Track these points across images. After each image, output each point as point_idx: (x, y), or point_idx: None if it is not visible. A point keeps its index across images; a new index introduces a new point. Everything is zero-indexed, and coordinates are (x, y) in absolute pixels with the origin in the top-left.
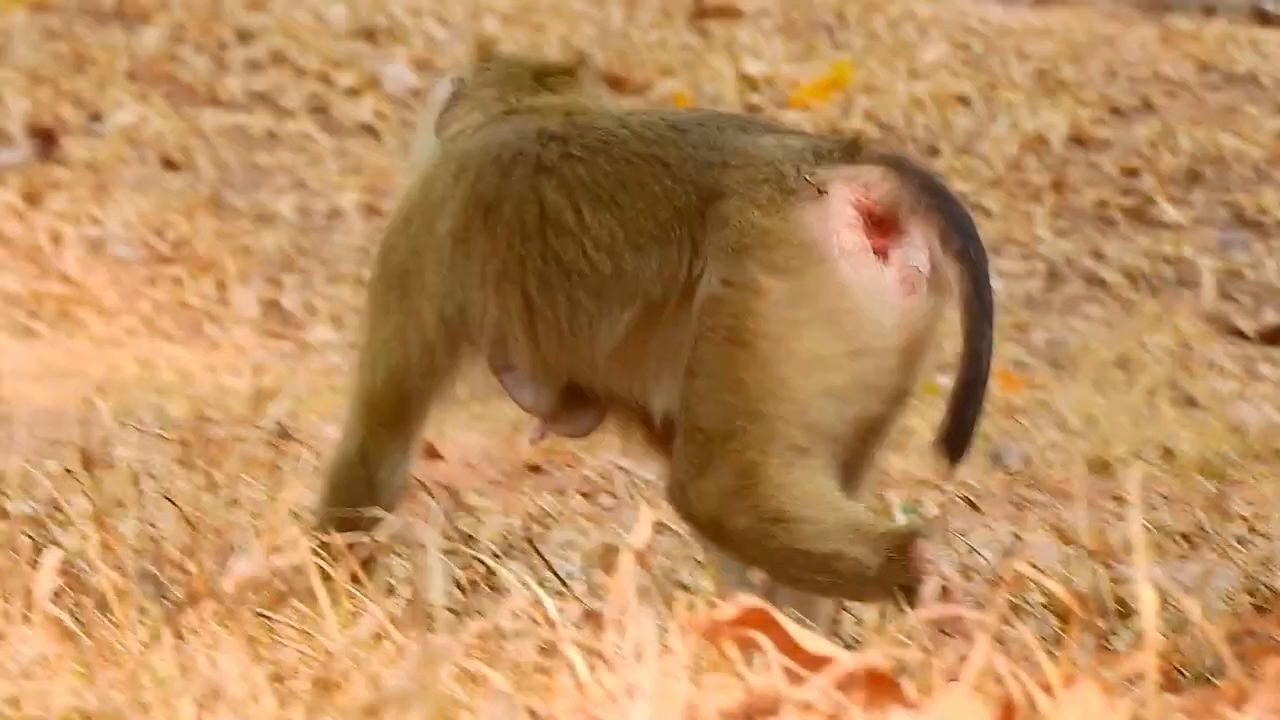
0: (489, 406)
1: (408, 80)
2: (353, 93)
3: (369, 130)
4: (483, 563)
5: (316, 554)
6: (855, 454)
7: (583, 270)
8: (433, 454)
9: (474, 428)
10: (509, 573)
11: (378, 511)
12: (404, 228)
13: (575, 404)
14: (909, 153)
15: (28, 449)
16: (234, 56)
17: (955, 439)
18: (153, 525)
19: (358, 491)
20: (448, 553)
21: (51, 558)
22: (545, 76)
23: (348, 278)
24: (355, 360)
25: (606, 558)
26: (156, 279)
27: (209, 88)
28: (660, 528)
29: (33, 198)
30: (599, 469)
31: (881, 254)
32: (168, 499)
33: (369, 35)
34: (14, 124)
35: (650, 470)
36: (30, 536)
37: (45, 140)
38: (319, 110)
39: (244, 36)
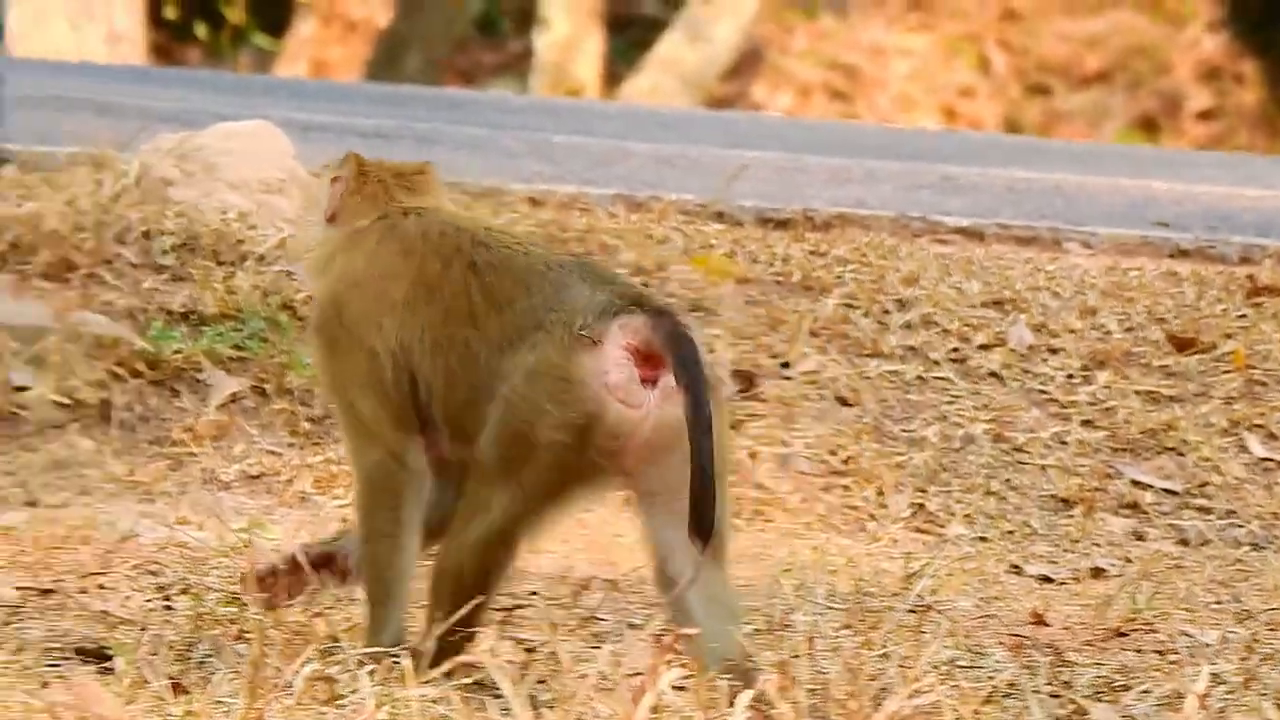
0: (1084, 587)
1: (1027, 339)
2: (984, 348)
3: (996, 376)
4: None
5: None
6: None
7: (477, 354)
8: (1040, 620)
9: (1073, 603)
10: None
11: None
12: (356, 289)
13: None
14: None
15: None
16: (893, 319)
17: (700, 531)
18: (821, 672)
19: (395, 481)
20: (1051, 696)
21: (744, 698)
22: (406, 179)
23: (979, 487)
24: (341, 399)
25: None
26: (830, 487)
27: (874, 343)
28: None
29: (736, 425)
30: (1170, 632)
31: (650, 381)
32: (834, 652)
33: (998, 304)
34: (723, 369)
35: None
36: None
37: (746, 382)
38: (958, 361)
39: (901, 304)
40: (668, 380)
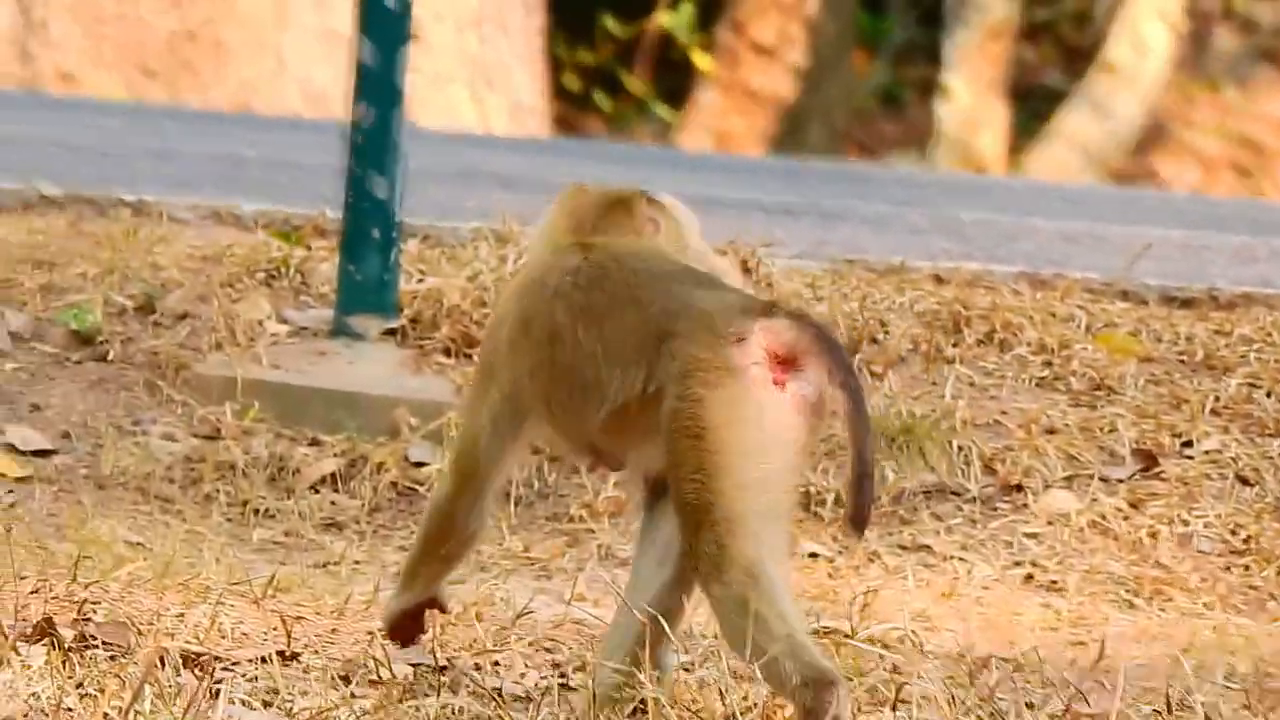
0: None
1: None
2: None
3: None
4: None
5: None
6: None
7: (575, 374)
8: None
9: None
10: None
11: None
12: (492, 331)
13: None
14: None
15: (1128, 694)
16: None
17: (857, 519)
18: None
19: (445, 530)
20: None
21: None
22: (604, 210)
23: None
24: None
25: None
26: (1230, 567)
27: (1276, 422)
28: None
29: (1135, 504)
30: None
31: (780, 384)
32: None
33: None
34: (1124, 447)
35: None
36: None
37: (1147, 460)
38: None
39: None
40: (799, 385)
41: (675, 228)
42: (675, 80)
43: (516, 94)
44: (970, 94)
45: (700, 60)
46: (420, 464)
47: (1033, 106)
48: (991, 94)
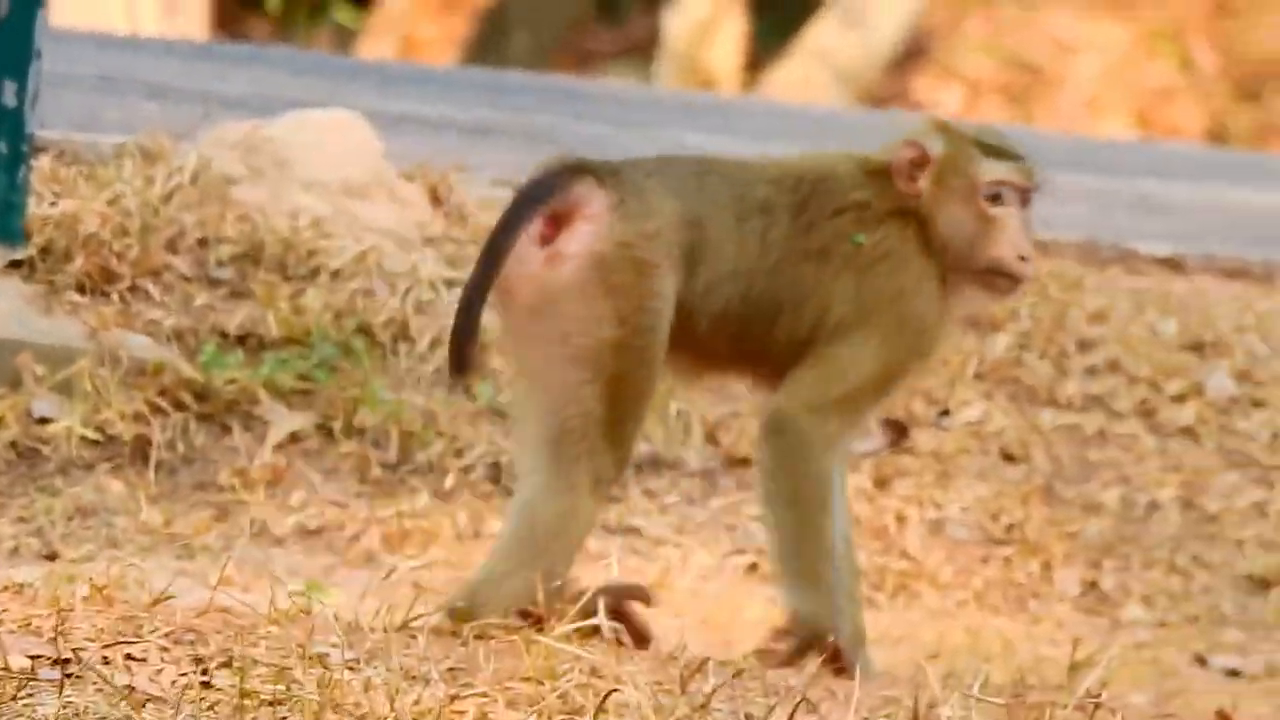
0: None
1: (1229, 390)
2: (1177, 400)
3: (1190, 433)
4: None
5: None
6: None
7: None
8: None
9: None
10: None
11: None
12: None
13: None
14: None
15: (864, 706)
16: (1074, 363)
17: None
18: None
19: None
20: None
21: None
22: None
23: (1161, 563)
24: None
25: None
26: (989, 559)
27: (1049, 390)
28: None
29: (881, 483)
30: None
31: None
32: None
33: (1196, 348)
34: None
35: None
36: None
37: (897, 431)
38: (1146, 414)
39: (1084, 346)
40: (560, 244)
41: None
42: None
43: None
44: (705, 3)
45: None
46: (45, 420)
47: (777, 17)
48: (729, 3)
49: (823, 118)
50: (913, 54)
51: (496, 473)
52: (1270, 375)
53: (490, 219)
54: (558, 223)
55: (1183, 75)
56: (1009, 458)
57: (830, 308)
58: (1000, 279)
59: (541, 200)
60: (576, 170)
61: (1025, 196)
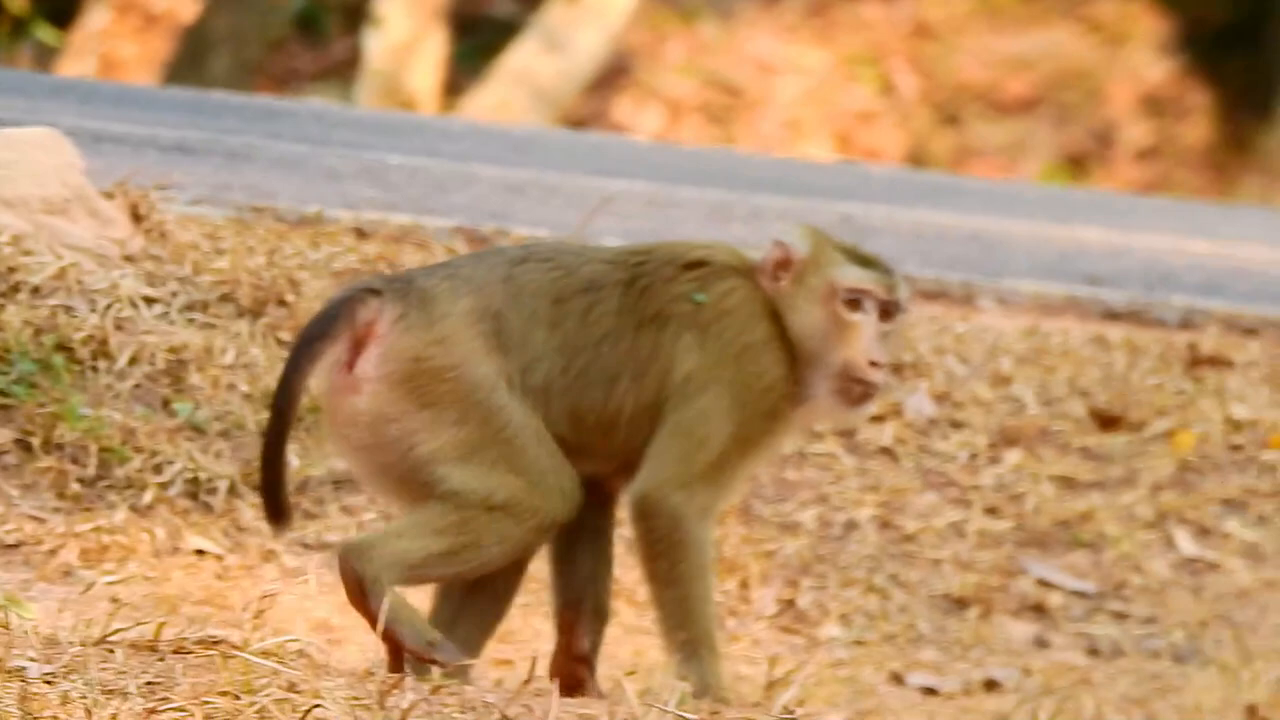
0: (976, 701)
1: (927, 410)
2: (876, 420)
3: (888, 453)
4: None
5: None
6: None
7: None
8: None
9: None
10: None
11: None
12: None
13: None
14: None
15: None
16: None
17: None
18: None
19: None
20: None
21: None
22: None
23: (859, 582)
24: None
25: None
26: None
27: None
28: None
29: None
30: None
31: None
32: None
33: (896, 369)
34: None
35: None
36: None
37: None
38: (845, 434)
39: None
40: (358, 370)
41: None
42: None
43: None
44: (407, 23)
45: None
46: None
47: (476, 40)
48: (432, 23)
49: (522, 139)
50: (613, 75)
51: (195, 489)
52: (969, 396)
53: (191, 237)
54: (357, 347)
55: (882, 99)
56: None
57: (673, 369)
58: (852, 384)
59: (323, 335)
60: (364, 292)
61: (886, 309)
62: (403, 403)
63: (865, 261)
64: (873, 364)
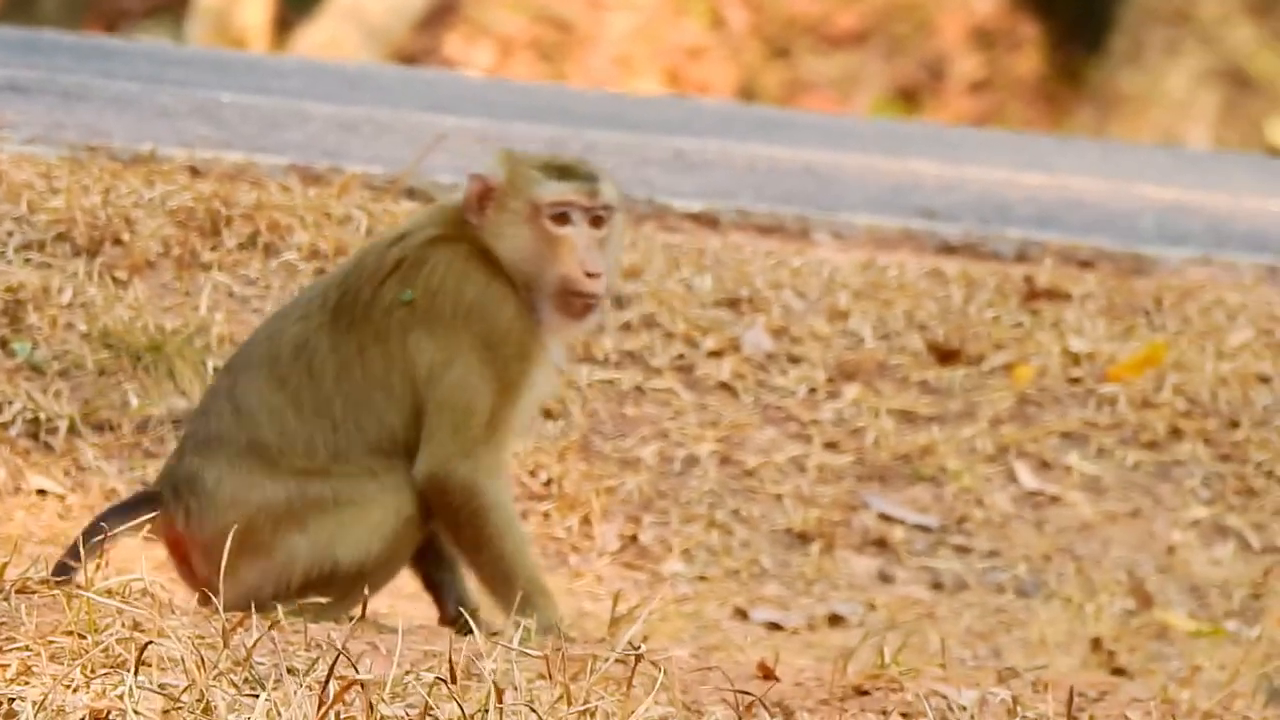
0: (821, 636)
1: (765, 345)
2: (714, 355)
3: (727, 388)
4: None
5: None
6: None
7: None
8: (768, 674)
9: (806, 654)
10: None
11: None
12: None
13: None
14: None
15: (405, 660)
16: (610, 319)
17: None
18: None
19: None
20: None
21: None
22: None
23: (701, 518)
24: None
25: None
26: (529, 513)
27: (585, 346)
28: None
29: None
30: (920, 692)
31: None
32: (529, 707)
33: (732, 304)
34: None
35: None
36: None
37: None
38: (683, 369)
39: (619, 302)
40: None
41: None
42: None
43: None
44: None
45: None
46: None
47: None
48: None
49: (354, 76)
50: (443, 11)
51: (35, 428)
52: (806, 331)
53: (25, 176)
54: (177, 550)
55: (713, 33)
56: (546, 413)
57: (416, 367)
58: (573, 298)
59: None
60: (144, 505)
61: (596, 217)
62: (240, 561)
63: (565, 172)
64: (589, 275)
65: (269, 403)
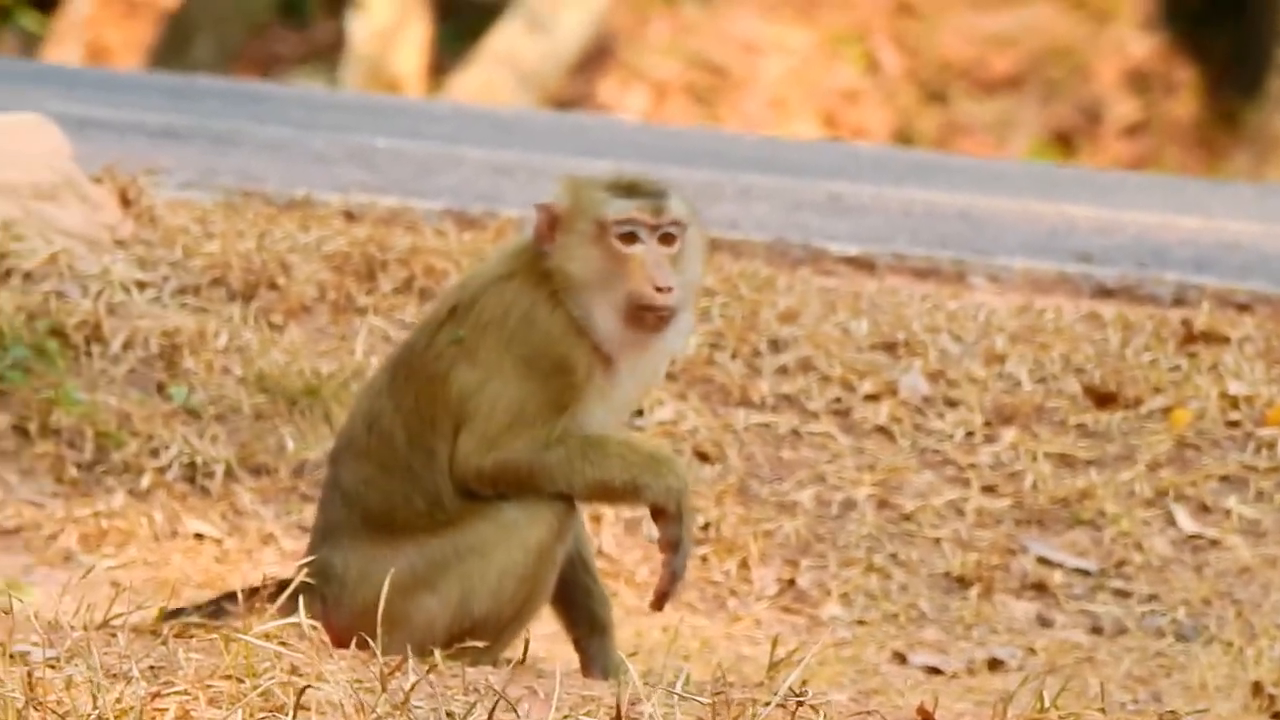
0: (980, 680)
1: (922, 389)
2: (871, 399)
3: (884, 432)
4: None
5: None
6: None
7: None
8: (927, 718)
9: (965, 699)
10: None
11: None
12: None
13: None
14: None
15: (565, 703)
16: (766, 363)
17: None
18: None
19: None
20: None
21: None
22: None
23: (859, 562)
24: None
25: None
26: None
27: (742, 389)
28: None
29: None
30: None
31: None
32: None
33: (889, 348)
34: None
35: None
36: None
37: None
38: (840, 413)
39: (776, 345)
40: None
41: None
42: None
43: None
44: (388, 7)
45: None
46: None
47: (460, 21)
48: (414, 5)
49: (508, 121)
50: (597, 56)
51: (192, 472)
52: (963, 374)
53: (180, 221)
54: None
55: (867, 77)
56: (703, 457)
57: (451, 392)
58: (644, 312)
59: None
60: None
61: (664, 233)
62: (383, 637)
63: (630, 190)
64: (659, 289)
65: (362, 475)
